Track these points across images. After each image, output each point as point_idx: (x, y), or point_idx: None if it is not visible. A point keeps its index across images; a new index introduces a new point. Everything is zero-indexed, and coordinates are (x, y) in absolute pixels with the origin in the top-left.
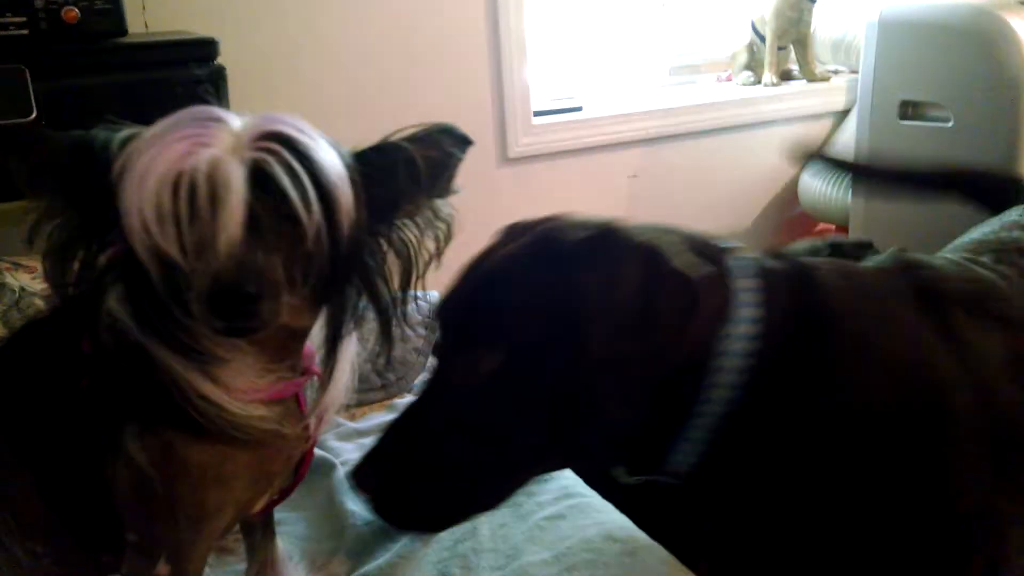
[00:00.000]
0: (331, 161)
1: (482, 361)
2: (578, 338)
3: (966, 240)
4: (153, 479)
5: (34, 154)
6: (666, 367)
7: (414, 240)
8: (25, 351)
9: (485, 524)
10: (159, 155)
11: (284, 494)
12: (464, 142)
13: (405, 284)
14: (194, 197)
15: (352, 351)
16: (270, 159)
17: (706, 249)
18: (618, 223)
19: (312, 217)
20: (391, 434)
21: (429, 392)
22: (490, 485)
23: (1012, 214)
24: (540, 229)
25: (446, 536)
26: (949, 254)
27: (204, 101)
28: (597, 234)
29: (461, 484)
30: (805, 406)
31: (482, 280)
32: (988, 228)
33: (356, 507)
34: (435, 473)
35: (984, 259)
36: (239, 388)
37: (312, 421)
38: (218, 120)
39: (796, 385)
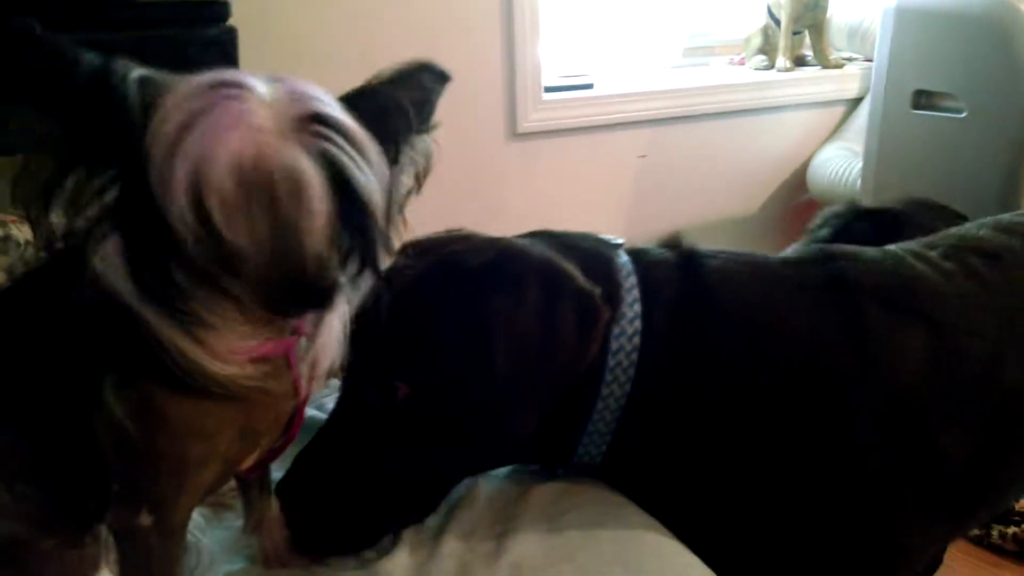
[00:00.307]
0: (368, 139)
1: (394, 389)
2: (486, 358)
3: (950, 231)
4: (129, 432)
5: (47, 62)
6: (570, 377)
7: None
8: (13, 302)
9: (483, 489)
10: (209, 134)
11: (275, 453)
12: (443, 78)
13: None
14: (265, 190)
15: (343, 308)
16: (333, 150)
17: (596, 256)
18: (515, 244)
19: (372, 203)
20: (305, 459)
21: (342, 416)
22: (411, 499)
23: (1007, 216)
24: (442, 252)
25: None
26: (913, 244)
27: (215, 63)
28: (498, 256)
29: (383, 501)
30: (687, 389)
31: (389, 307)
32: (972, 224)
33: None
34: (356, 494)
35: (933, 253)
36: (222, 350)
37: (303, 379)
38: (249, 89)
39: (679, 370)
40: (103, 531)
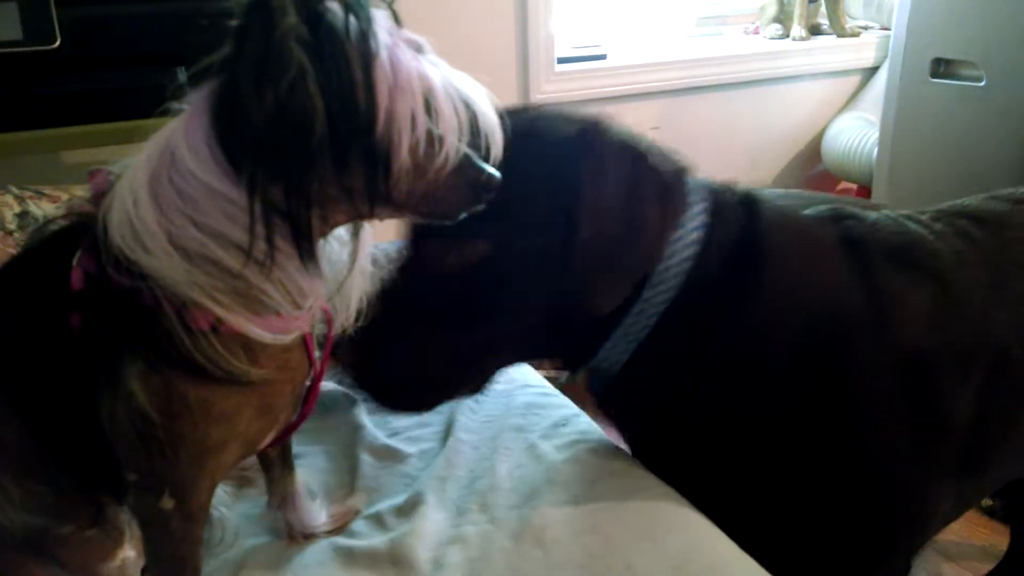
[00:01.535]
0: None
1: (473, 246)
2: (568, 225)
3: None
4: (150, 417)
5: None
6: (649, 260)
7: None
8: (10, 285)
9: (503, 464)
10: (420, 68)
11: (292, 428)
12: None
13: None
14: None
15: (363, 281)
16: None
17: (670, 163)
18: (600, 119)
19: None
20: (373, 317)
21: (408, 275)
22: (465, 367)
23: (998, 191)
24: (523, 118)
25: (464, 474)
26: (904, 211)
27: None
28: (585, 129)
29: (439, 364)
30: (726, 318)
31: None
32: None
33: (366, 455)
34: (415, 353)
35: (924, 217)
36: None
37: (318, 355)
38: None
39: (718, 295)
40: (122, 514)
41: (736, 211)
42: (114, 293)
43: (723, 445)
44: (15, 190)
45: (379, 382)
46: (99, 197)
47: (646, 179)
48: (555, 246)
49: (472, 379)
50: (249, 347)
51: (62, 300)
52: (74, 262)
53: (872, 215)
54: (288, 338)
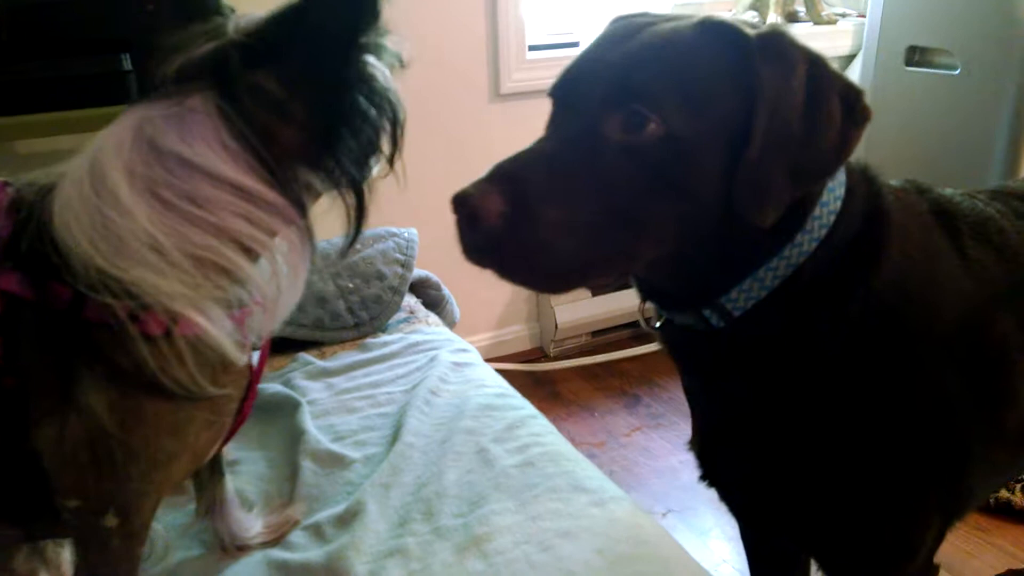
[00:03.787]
0: None
1: (644, 124)
2: (750, 121)
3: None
4: (108, 431)
5: None
6: (821, 174)
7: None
8: None
9: (451, 470)
10: None
11: (229, 435)
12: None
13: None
14: None
15: (303, 275)
16: None
17: None
18: (784, 29)
19: None
20: (524, 175)
21: (567, 141)
22: (608, 248)
23: None
24: (705, 20)
25: (410, 480)
26: (958, 190)
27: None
28: (773, 36)
29: (582, 239)
30: (856, 280)
31: (651, 51)
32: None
33: (308, 462)
34: (567, 222)
35: (981, 196)
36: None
37: (255, 356)
38: None
39: (855, 259)
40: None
41: (863, 175)
42: (48, 312)
43: (822, 406)
44: None
45: (522, 244)
46: (7, 213)
47: (831, 83)
48: (733, 137)
49: (616, 266)
50: (208, 364)
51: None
52: None
53: (947, 190)
54: (246, 357)
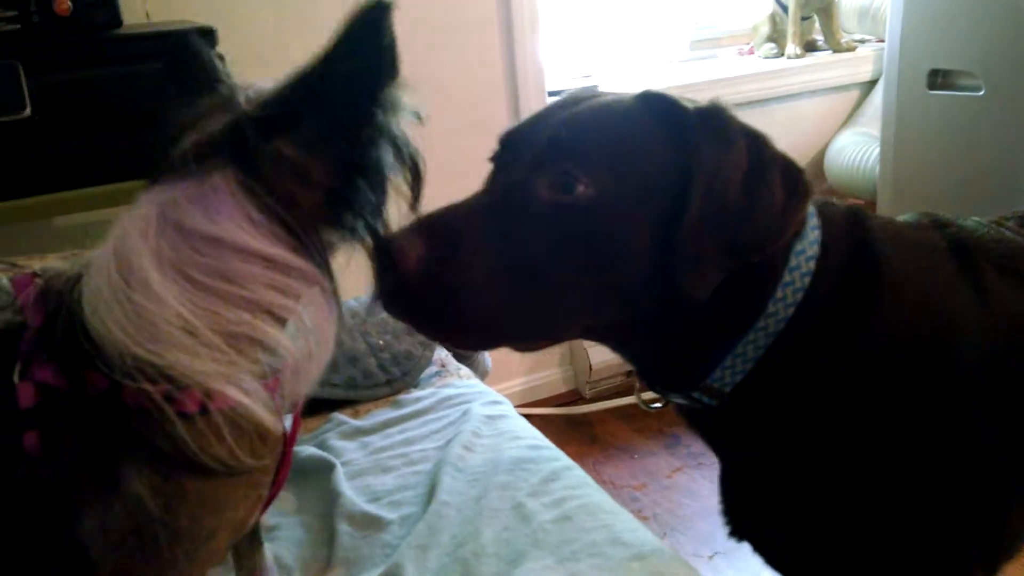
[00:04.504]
0: None
1: (579, 186)
2: (682, 195)
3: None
4: (153, 516)
5: None
6: (758, 252)
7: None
8: None
9: (488, 528)
10: None
11: (266, 504)
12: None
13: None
14: None
15: (331, 335)
16: None
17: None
18: (724, 104)
19: None
20: (445, 221)
21: (493, 202)
22: (532, 308)
23: None
24: (645, 92)
25: (447, 540)
26: (987, 218)
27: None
28: (713, 111)
29: (508, 297)
30: (848, 335)
31: (588, 117)
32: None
33: (345, 525)
34: (485, 278)
35: (1010, 223)
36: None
37: (288, 421)
38: None
39: (843, 316)
40: None
41: (844, 222)
42: (85, 401)
43: (842, 466)
44: None
45: (440, 295)
46: (37, 304)
47: (772, 160)
48: (666, 208)
49: (538, 328)
50: (235, 437)
51: (7, 424)
52: (15, 377)
53: (969, 222)
54: (282, 425)
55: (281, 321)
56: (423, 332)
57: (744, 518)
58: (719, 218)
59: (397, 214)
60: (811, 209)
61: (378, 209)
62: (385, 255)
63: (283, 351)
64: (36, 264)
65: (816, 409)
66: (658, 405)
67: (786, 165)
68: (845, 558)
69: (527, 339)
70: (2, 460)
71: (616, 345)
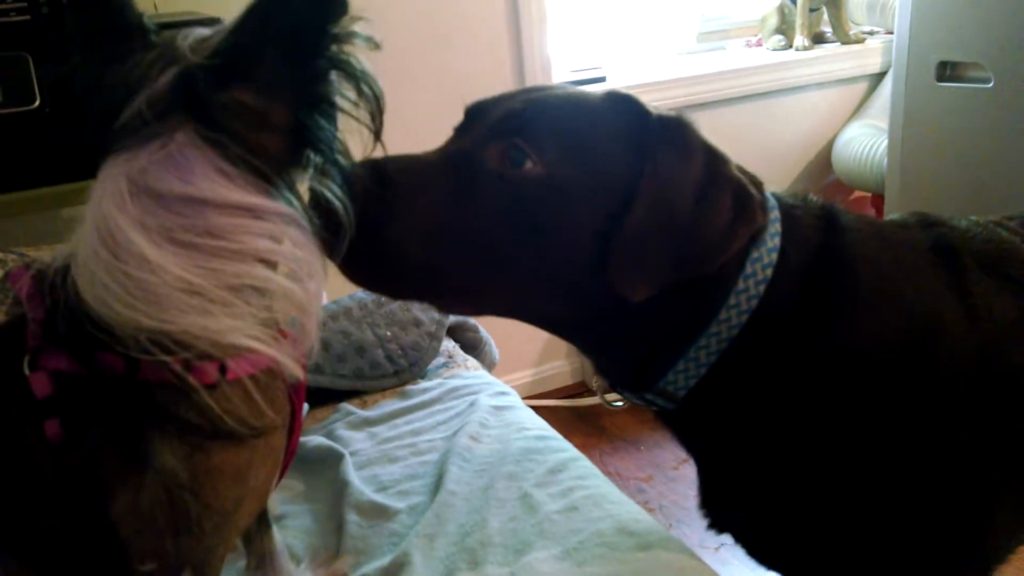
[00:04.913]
0: None
1: (528, 162)
2: (630, 197)
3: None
4: (185, 487)
5: None
6: (700, 267)
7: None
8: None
9: (495, 517)
10: None
11: (283, 470)
12: None
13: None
14: None
15: (320, 273)
16: None
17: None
18: (690, 118)
19: None
20: (392, 164)
21: (444, 162)
22: (461, 272)
23: None
24: (612, 91)
25: (454, 529)
26: (992, 216)
27: None
28: (675, 121)
29: (439, 256)
30: (809, 339)
31: (552, 101)
32: None
33: (353, 515)
34: (417, 231)
35: (1012, 223)
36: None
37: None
38: None
39: (803, 321)
40: None
41: (812, 225)
42: (104, 383)
43: (806, 468)
44: None
45: (373, 236)
46: (35, 297)
47: (727, 180)
48: (614, 204)
49: (465, 292)
50: (258, 394)
51: (25, 415)
52: (25, 368)
53: (963, 222)
54: (303, 374)
55: (273, 266)
56: (350, 276)
57: (720, 513)
58: (663, 227)
59: (362, 149)
60: (774, 214)
61: (337, 142)
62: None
63: (285, 294)
64: (46, 256)
65: (776, 413)
66: (620, 404)
67: (739, 187)
68: (818, 556)
69: (455, 303)
70: (25, 450)
71: (573, 342)
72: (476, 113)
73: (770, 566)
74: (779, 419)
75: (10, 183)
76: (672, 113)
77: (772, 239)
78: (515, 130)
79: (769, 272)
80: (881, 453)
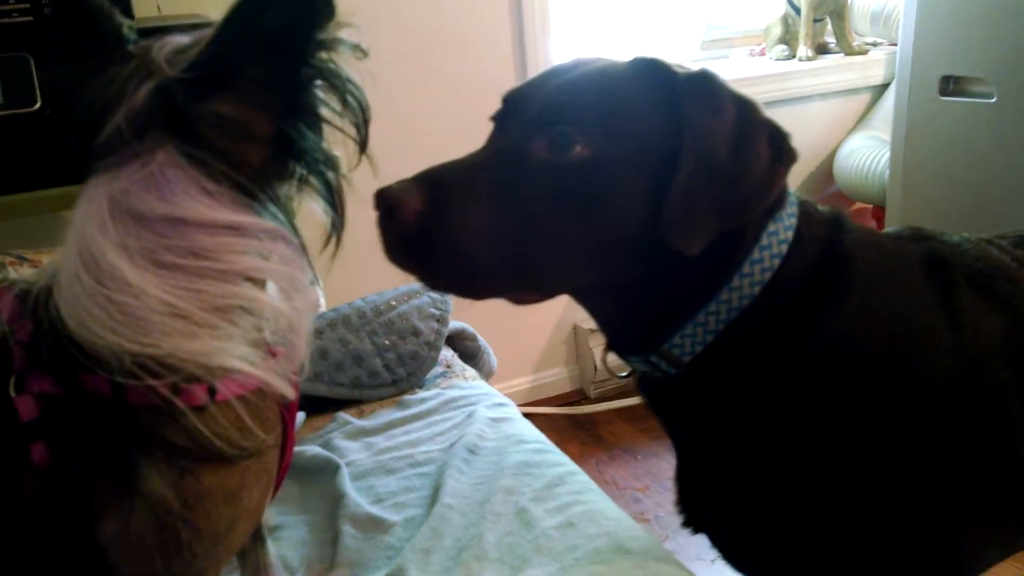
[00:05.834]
0: None
1: (576, 146)
2: (673, 157)
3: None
4: (174, 512)
5: None
6: (747, 212)
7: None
8: None
9: (491, 532)
10: None
11: (277, 486)
12: None
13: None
14: None
15: (307, 287)
16: None
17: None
18: (713, 72)
19: None
20: (444, 175)
21: (493, 159)
22: (525, 263)
23: None
24: (637, 57)
25: (450, 544)
26: (985, 235)
27: None
28: (701, 76)
29: (502, 251)
30: (803, 328)
31: (585, 81)
32: None
33: (349, 526)
34: (479, 231)
35: (1004, 243)
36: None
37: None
38: None
39: (804, 307)
40: None
41: (824, 222)
42: (90, 407)
43: (786, 460)
44: None
45: (437, 245)
46: (19, 318)
47: (760, 124)
48: (658, 168)
49: (530, 282)
50: (247, 415)
51: (10, 439)
52: (11, 391)
53: (955, 237)
54: (292, 392)
55: (260, 284)
56: (428, 283)
57: (698, 506)
58: (709, 179)
59: (346, 159)
60: (792, 199)
61: (322, 152)
62: (384, 203)
63: (273, 312)
64: (44, 258)
65: (767, 395)
66: (625, 374)
67: (772, 129)
68: (787, 556)
69: (518, 291)
70: (11, 474)
71: (595, 305)
72: (514, 101)
73: (739, 567)
74: (765, 404)
75: (11, 185)
76: (697, 70)
77: (789, 218)
78: (555, 119)
79: (783, 249)
80: (855, 452)
